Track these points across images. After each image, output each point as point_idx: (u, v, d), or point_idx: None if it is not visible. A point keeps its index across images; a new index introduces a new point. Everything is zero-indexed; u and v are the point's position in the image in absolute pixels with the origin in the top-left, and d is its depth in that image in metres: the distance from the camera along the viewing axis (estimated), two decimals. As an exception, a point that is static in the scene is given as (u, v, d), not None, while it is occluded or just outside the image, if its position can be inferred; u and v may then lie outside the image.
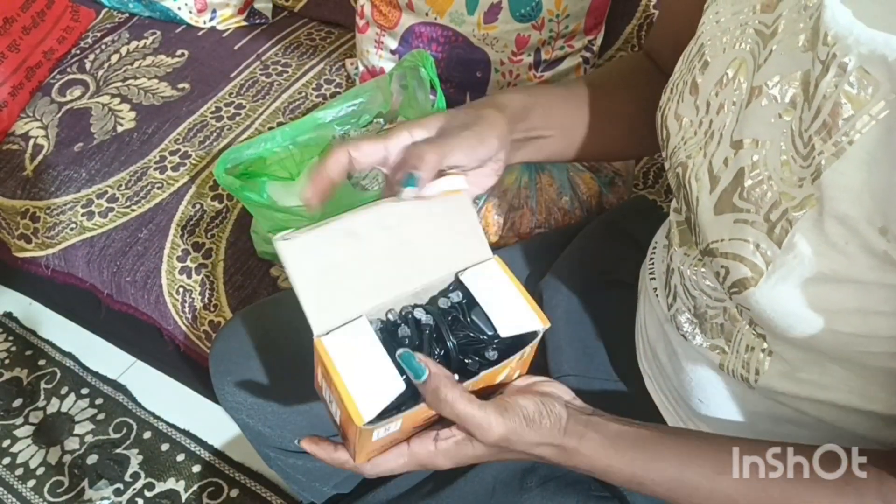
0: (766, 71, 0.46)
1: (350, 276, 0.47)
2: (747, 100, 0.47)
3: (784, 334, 0.46)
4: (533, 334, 0.49)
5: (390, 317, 0.49)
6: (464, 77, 1.19)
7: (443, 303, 0.50)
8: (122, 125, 1.35)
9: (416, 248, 0.49)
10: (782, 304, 0.44)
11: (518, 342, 0.49)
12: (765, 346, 0.51)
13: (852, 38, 0.40)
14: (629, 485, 0.49)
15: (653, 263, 0.65)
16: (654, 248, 0.66)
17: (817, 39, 0.42)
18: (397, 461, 0.49)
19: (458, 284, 0.50)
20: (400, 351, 0.45)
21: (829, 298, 0.42)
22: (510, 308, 0.49)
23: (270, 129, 1.29)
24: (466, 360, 0.49)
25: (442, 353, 0.48)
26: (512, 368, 0.50)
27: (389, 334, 0.48)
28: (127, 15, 1.61)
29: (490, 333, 0.49)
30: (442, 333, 0.48)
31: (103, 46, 1.53)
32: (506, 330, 0.48)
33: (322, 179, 0.49)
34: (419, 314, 0.48)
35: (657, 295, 0.62)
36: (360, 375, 0.44)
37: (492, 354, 0.49)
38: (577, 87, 0.65)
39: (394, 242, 0.48)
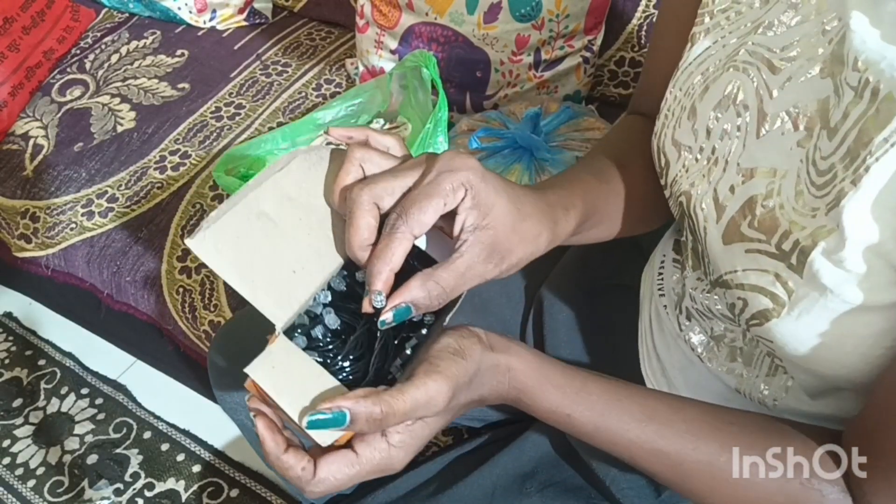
0: (781, 98, 0.45)
1: (279, 259, 0.45)
2: (757, 127, 0.47)
3: (806, 364, 0.45)
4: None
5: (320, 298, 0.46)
6: (464, 77, 1.19)
7: (360, 276, 0.47)
8: (122, 125, 1.35)
9: (327, 212, 0.47)
10: (807, 334, 0.43)
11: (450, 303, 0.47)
12: (784, 374, 0.50)
13: (885, 62, 0.39)
14: (556, 416, 0.47)
15: (661, 279, 0.63)
16: (663, 262, 0.64)
17: (841, 65, 0.41)
18: (347, 471, 0.43)
19: None
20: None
21: (853, 325, 0.42)
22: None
23: (270, 129, 1.29)
24: (409, 335, 0.46)
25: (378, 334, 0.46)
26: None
27: (310, 338, 0.46)
28: (127, 15, 1.61)
29: None
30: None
31: (103, 46, 1.53)
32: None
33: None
34: (330, 321, 0.45)
35: (667, 312, 0.61)
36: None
37: (429, 319, 0.47)
38: (605, 171, 0.59)
39: (303, 213, 0.47)
